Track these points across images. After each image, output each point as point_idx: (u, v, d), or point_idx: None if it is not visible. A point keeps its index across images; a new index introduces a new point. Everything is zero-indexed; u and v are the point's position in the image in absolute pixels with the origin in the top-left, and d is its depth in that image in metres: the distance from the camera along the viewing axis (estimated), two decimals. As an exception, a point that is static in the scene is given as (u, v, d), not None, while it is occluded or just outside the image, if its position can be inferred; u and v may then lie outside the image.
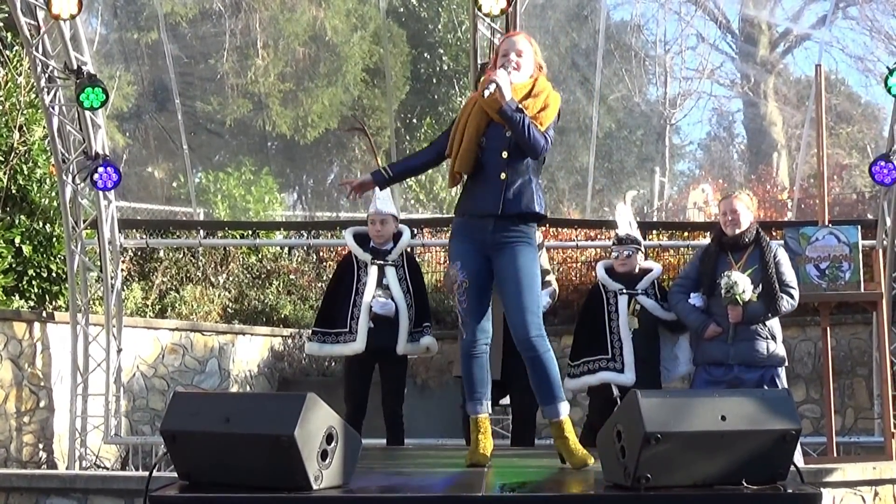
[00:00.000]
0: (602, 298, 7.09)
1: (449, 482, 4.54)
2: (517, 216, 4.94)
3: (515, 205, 4.92)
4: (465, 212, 5.07)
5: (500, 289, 4.99)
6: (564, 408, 4.95)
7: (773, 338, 6.74)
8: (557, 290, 7.48)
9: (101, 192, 9.70)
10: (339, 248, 12.94)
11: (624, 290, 7.04)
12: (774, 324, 6.79)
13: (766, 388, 6.54)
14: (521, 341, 4.91)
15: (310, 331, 7.38)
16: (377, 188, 5.37)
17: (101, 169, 9.32)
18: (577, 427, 5.35)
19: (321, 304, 7.39)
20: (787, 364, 6.92)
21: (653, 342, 7.07)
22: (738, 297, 6.53)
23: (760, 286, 6.63)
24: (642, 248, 7.33)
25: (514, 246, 4.94)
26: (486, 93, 4.77)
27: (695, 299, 6.84)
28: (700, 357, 6.87)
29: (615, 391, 6.79)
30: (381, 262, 6.99)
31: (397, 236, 7.11)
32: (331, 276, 7.52)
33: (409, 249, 7.31)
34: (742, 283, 6.55)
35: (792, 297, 6.75)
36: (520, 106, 4.87)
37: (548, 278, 7.25)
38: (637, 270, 7.16)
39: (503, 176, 4.93)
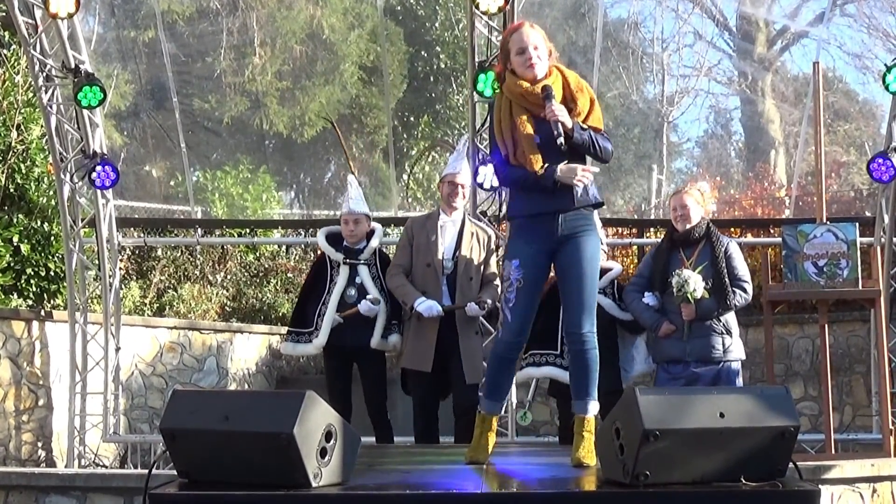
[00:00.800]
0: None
1: (448, 479, 4.55)
2: (587, 206, 4.90)
3: (584, 197, 4.88)
4: (528, 211, 4.94)
5: (562, 278, 4.94)
6: (593, 407, 4.91)
7: (729, 332, 6.74)
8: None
9: (98, 191, 9.69)
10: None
11: None
12: (730, 318, 6.79)
13: (723, 383, 6.55)
14: (573, 334, 4.89)
15: (285, 330, 7.44)
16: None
17: (98, 167, 9.30)
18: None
19: (295, 305, 7.46)
20: (743, 358, 6.92)
21: (609, 342, 6.99)
22: (688, 294, 6.54)
23: (711, 282, 6.63)
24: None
25: (582, 237, 4.88)
26: (560, 141, 4.69)
27: (648, 298, 6.84)
28: (658, 355, 6.89)
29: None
30: (353, 262, 7.06)
31: (370, 235, 7.17)
32: (305, 277, 7.58)
33: (381, 247, 7.36)
34: (692, 281, 6.55)
35: (745, 290, 6.75)
36: (580, 125, 4.81)
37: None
38: None
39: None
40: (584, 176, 4.79)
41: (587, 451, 4.73)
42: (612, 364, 6.98)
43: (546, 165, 4.79)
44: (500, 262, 6.42)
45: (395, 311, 7.05)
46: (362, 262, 7.08)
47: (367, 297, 6.92)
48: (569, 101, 4.87)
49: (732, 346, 6.75)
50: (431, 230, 6.93)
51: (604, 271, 7.10)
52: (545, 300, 7.27)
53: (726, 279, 6.66)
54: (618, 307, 6.99)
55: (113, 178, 9.42)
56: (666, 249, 6.91)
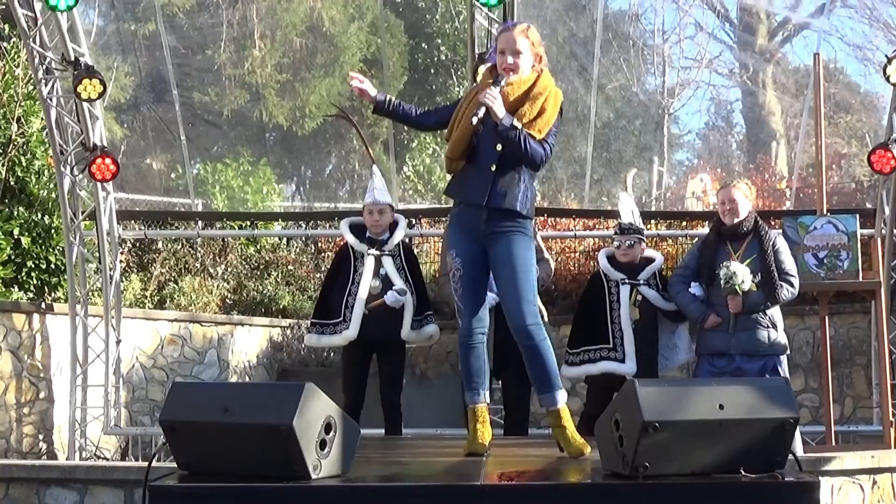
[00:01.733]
0: (603, 287, 7.06)
1: (447, 471, 4.56)
2: (502, 210, 4.94)
3: (500, 199, 4.92)
4: (456, 198, 5.11)
5: (495, 277, 5.00)
6: (562, 396, 4.95)
7: (774, 326, 6.74)
8: (553, 268, 7.47)
9: (99, 184, 9.69)
10: (338, 239, 12.90)
11: (626, 280, 7.01)
12: (775, 312, 6.78)
13: (768, 376, 6.55)
14: (518, 329, 4.91)
15: (308, 322, 7.38)
16: (373, 107, 5.31)
17: (99, 160, 9.30)
18: (576, 417, 5.36)
19: (318, 296, 7.37)
20: (788, 352, 6.91)
21: (652, 333, 7.06)
22: (737, 287, 6.53)
23: (759, 275, 6.62)
24: (644, 238, 7.31)
25: (508, 235, 4.94)
26: (474, 119, 4.81)
27: (695, 289, 6.83)
28: (702, 347, 6.87)
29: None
30: (378, 252, 6.98)
31: (393, 226, 7.11)
32: (328, 268, 7.52)
33: (405, 239, 7.32)
34: (741, 273, 6.54)
35: (792, 284, 6.74)
36: (514, 122, 4.86)
37: (545, 256, 7.26)
38: (639, 260, 7.15)
39: (494, 168, 4.93)
40: (487, 99, 4.83)
41: (577, 440, 4.81)
42: (652, 356, 7.01)
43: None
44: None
45: (423, 301, 7.03)
46: (387, 252, 7.01)
47: (393, 287, 6.88)
48: (522, 102, 4.92)
49: (778, 340, 6.74)
50: None
51: (647, 262, 7.14)
52: (583, 297, 7.32)
53: (775, 273, 6.65)
54: (662, 298, 7.00)
55: (113, 170, 9.41)
56: (713, 242, 6.89)
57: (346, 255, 7.09)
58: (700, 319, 6.79)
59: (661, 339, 7.12)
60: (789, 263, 6.82)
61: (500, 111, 4.83)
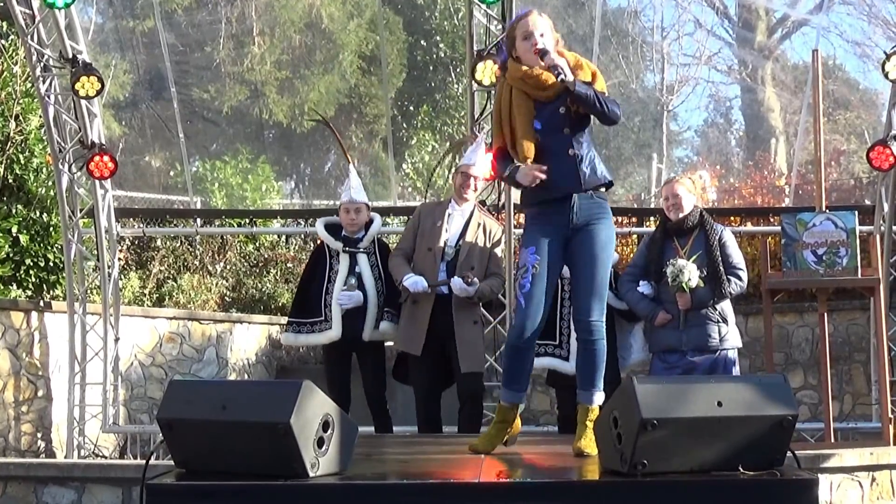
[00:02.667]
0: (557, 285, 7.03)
1: (445, 469, 4.55)
2: (597, 187, 4.89)
3: (593, 177, 4.86)
4: (539, 199, 4.95)
5: (574, 263, 4.94)
6: (599, 397, 4.92)
7: (725, 321, 6.73)
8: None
9: (97, 182, 9.68)
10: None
11: None
12: (726, 306, 6.77)
13: (720, 372, 6.55)
14: (582, 322, 4.89)
15: (286, 321, 7.42)
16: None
17: (97, 158, 9.29)
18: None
19: (296, 295, 7.46)
20: (740, 346, 6.91)
21: (608, 332, 6.99)
22: (684, 284, 6.53)
23: (706, 270, 6.62)
24: None
25: (596, 225, 4.88)
26: (562, 78, 4.66)
27: (644, 287, 6.82)
28: (654, 345, 6.88)
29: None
30: (353, 250, 7.07)
31: (368, 224, 7.18)
32: (304, 267, 7.57)
33: (379, 236, 7.36)
34: (687, 270, 6.54)
35: (740, 278, 6.75)
36: (586, 81, 4.77)
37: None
38: None
39: (572, 152, 4.85)
40: (536, 176, 4.77)
41: (588, 441, 4.73)
42: (612, 353, 6.98)
43: (513, 167, 4.85)
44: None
45: (389, 299, 7.04)
46: (361, 250, 7.09)
47: (343, 288, 6.91)
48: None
49: (729, 335, 6.74)
50: (438, 216, 6.92)
51: None
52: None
53: (721, 267, 6.65)
54: (615, 297, 6.98)
55: (111, 168, 9.40)
56: (660, 239, 6.90)
57: (322, 253, 7.19)
58: (650, 317, 6.78)
59: (617, 339, 7.09)
60: (737, 257, 6.82)
61: (569, 73, 4.72)
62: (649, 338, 6.94)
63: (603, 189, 4.96)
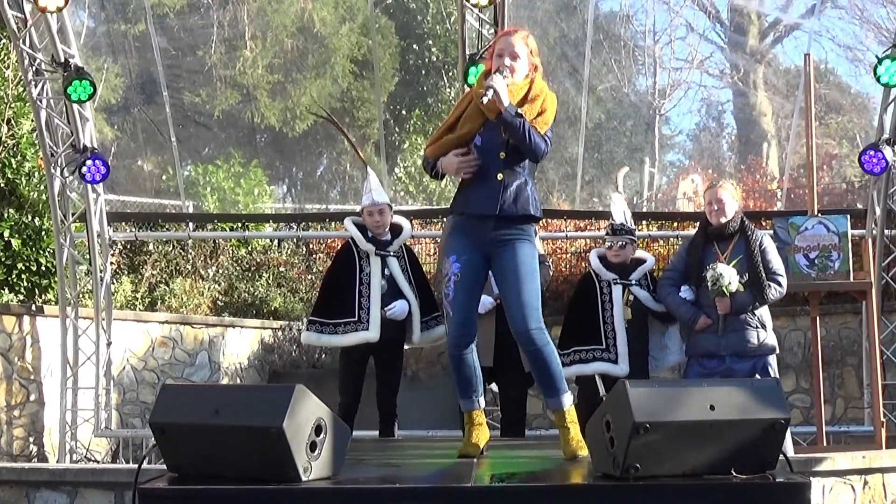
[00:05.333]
0: (595, 287, 7.03)
1: (438, 473, 4.55)
2: (515, 217, 4.91)
3: (512, 207, 4.87)
4: (462, 211, 5.02)
5: (500, 283, 4.96)
6: (567, 399, 4.94)
7: (763, 326, 6.74)
8: (552, 272, 7.44)
9: (89, 186, 9.68)
10: (329, 241, 12.94)
11: (618, 280, 6.98)
12: (764, 312, 6.78)
13: (758, 377, 6.55)
14: (521, 334, 4.88)
15: (302, 322, 7.33)
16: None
17: (89, 162, 9.29)
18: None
19: (320, 295, 7.29)
20: (778, 352, 6.91)
21: (643, 333, 7.05)
22: (724, 288, 6.52)
23: (747, 275, 6.62)
24: (636, 239, 7.29)
25: (514, 242, 4.89)
26: (485, 99, 4.72)
27: (685, 292, 6.82)
28: (692, 349, 6.85)
29: (601, 389, 6.74)
30: (384, 253, 6.97)
31: (395, 228, 7.08)
32: (329, 267, 7.46)
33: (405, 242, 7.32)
34: (727, 275, 6.53)
35: (780, 284, 6.74)
36: (519, 111, 4.80)
37: (547, 262, 7.26)
38: (630, 261, 7.14)
39: (500, 177, 4.88)
40: (463, 163, 4.84)
41: (577, 442, 4.76)
42: (643, 356, 7.00)
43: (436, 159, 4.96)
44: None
45: (430, 302, 7.03)
46: (392, 254, 7.01)
47: (385, 309, 6.89)
48: (520, 106, 4.86)
49: (767, 340, 6.74)
50: None
51: (638, 263, 7.12)
52: (575, 296, 7.30)
53: (762, 273, 6.63)
54: (653, 299, 6.98)
55: (103, 172, 9.41)
56: (700, 243, 6.87)
57: (350, 253, 7.02)
58: (690, 321, 6.78)
59: (652, 340, 7.10)
60: (777, 263, 6.82)
61: (505, 98, 4.76)
62: (688, 342, 6.92)
63: (529, 221, 4.97)
